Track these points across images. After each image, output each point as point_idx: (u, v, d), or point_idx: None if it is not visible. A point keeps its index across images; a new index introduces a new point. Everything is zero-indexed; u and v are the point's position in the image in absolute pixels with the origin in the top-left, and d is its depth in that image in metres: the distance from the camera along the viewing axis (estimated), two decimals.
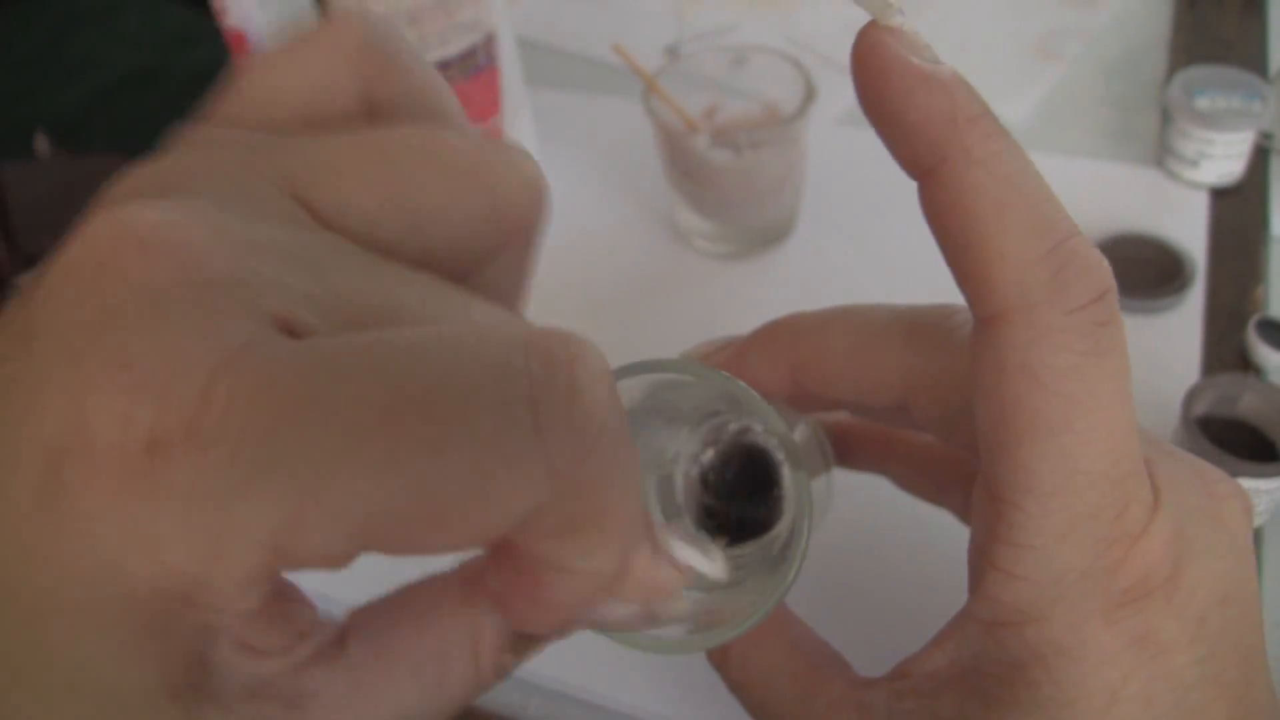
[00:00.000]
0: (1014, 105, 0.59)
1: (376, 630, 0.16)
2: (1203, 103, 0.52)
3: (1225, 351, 0.46)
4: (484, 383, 0.12)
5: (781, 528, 0.26)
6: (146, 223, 0.12)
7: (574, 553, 0.14)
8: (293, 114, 0.15)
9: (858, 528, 0.38)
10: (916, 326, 0.23)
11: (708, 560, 0.20)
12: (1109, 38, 0.65)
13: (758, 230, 0.53)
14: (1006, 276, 0.18)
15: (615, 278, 0.54)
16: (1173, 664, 0.19)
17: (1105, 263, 0.18)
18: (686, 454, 0.28)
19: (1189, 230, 0.51)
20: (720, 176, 0.50)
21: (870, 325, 0.24)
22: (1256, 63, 0.61)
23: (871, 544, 0.40)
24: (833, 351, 0.24)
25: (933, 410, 0.23)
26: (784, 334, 0.25)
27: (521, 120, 0.56)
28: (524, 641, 0.17)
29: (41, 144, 0.89)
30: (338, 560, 0.12)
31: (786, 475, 0.22)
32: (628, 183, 0.58)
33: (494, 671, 0.17)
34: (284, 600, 0.15)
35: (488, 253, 0.15)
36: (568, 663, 0.39)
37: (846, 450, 0.30)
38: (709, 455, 0.29)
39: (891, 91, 0.18)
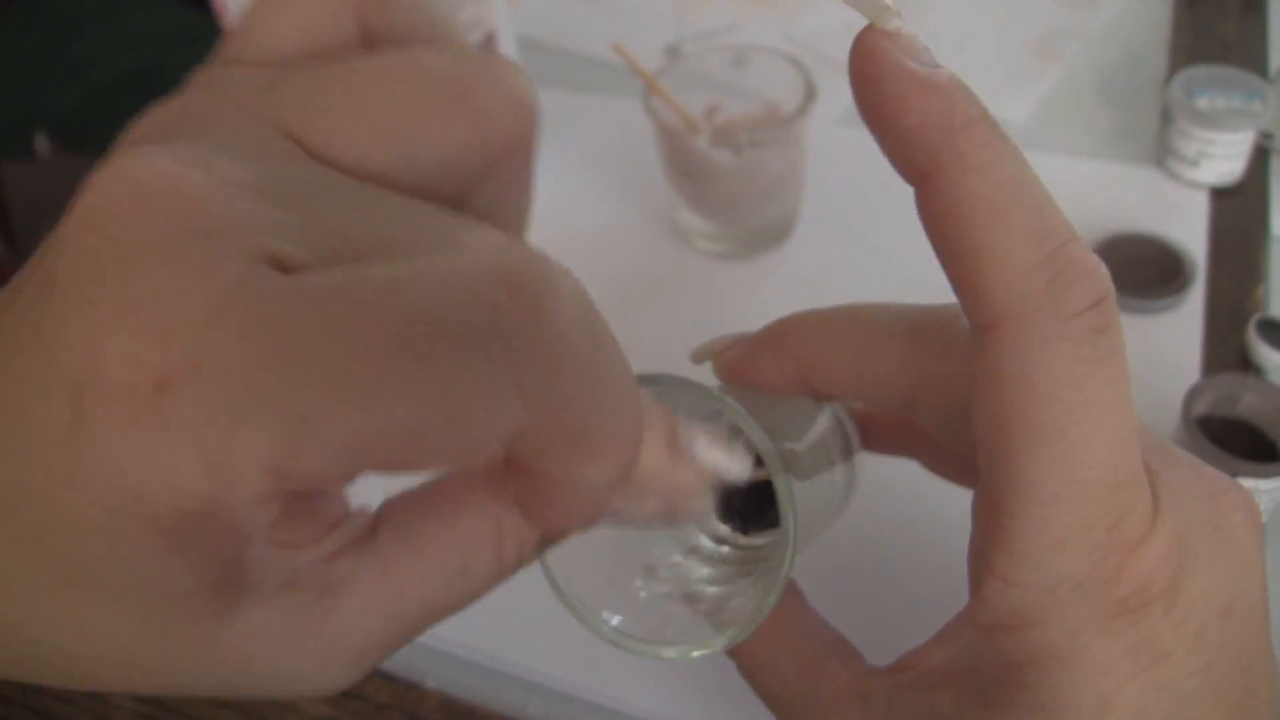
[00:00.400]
0: (1014, 105, 0.59)
1: (406, 522, 0.17)
2: (1203, 103, 0.52)
3: (1225, 351, 0.46)
4: (455, 315, 0.12)
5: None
6: (147, 172, 0.13)
7: (568, 467, 0.14)
8: (293, 49, 0.16)
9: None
10: (922, 327, 0.23)
11: (731, 460, 0.20)
12: (1109, 38, 0.65)
13: (758, 230, 0.53)
14: (1002, 283, 0.18)
15: (615, 278, 0.54)
16: (1169, 674, 0.19)
17: (1103, 268, 0.18)
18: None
19: (1189, 230, 0.51)
20: (720, 176, 0.50)
21: (876, 326, 0.24)
22: (1256, 63, 0.61)
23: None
24: (839, 352, 0.24)
25: (937, 412, 0.24)
26: (791, 334, 0.25)
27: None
28: (550, 536, 0.18)
29: (41, 144, 0.89)
30: (338, 479, 0.13)
31: (777, 483, 0.22)
32: (628, 183, 0.58)
33: (516, 562, 0.18)
34: (311, 498, 0.16)
35: (479, 174, 0.16)
36: (568, 663, 0.39)
37: (874, 434, 0.30)
38: None
39: (887, 96, 0.18)
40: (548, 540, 0.18)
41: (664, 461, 0.19)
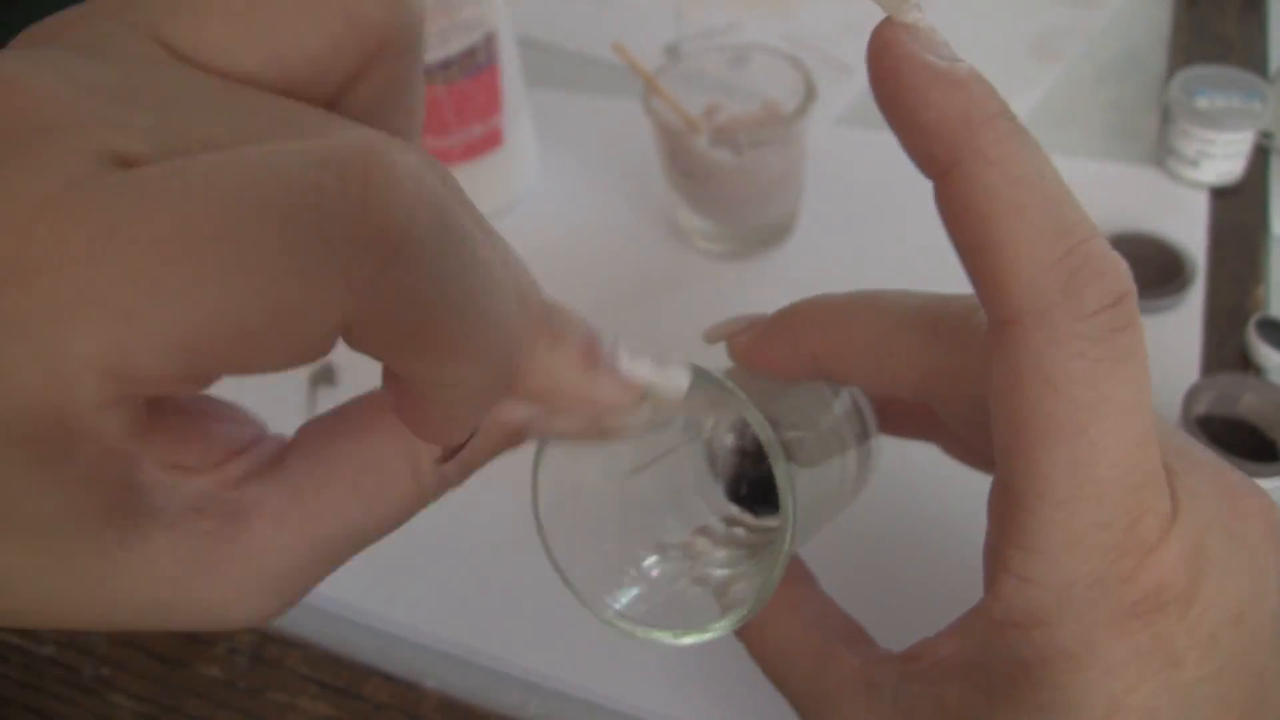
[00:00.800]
0: (1014, 105, 0.59)
1: (316, 445, 0.17)
2: (1203, 102, 0.52)
3: (1225, 351, 0.46)
4: (277, 198, 0.12)
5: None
6: (10, 81, 0.13)
7: (425, 367, 0.14)
8: None
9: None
10: (939, 319, 0.23)
11: (663, 374, 0.19)
12: (1109, 37, 0.65)
13: (758, 230, 0.53)
14: (1021, 280, 0.18)
15: (615, 278, 0.54)
16: (1180, 679, 0.19)
17: (1124, 265, 0.18)
18: (724, 424, 0.29)
19: (1189, 230, 0.51)
20: (720, 176, 0.50)
21: (893, 316, 0.24)
22: (1256, 63, 0.61)
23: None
24: (854, 342, 0.24)
25: (953, 405, 0.23)
26: (807, 320, 0.25)
27: (521, 120, 0.56)
28: (464, 454, 0.17)
29: None
30: (182, 382, 0.12)
31: (776, 466, 0.22)
32: (628, 183, 0.58)
33: (436, 483, 0.17)
34: (204, 418, 0.16)
35: (352, 73, 0.16)
36: (568, 663, 0.39)
37: (893, 418, 0.30)
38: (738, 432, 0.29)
39: (905, 90, 0.18)
40: (470, 460, 0.18)
41: (578, 373, 0.18)
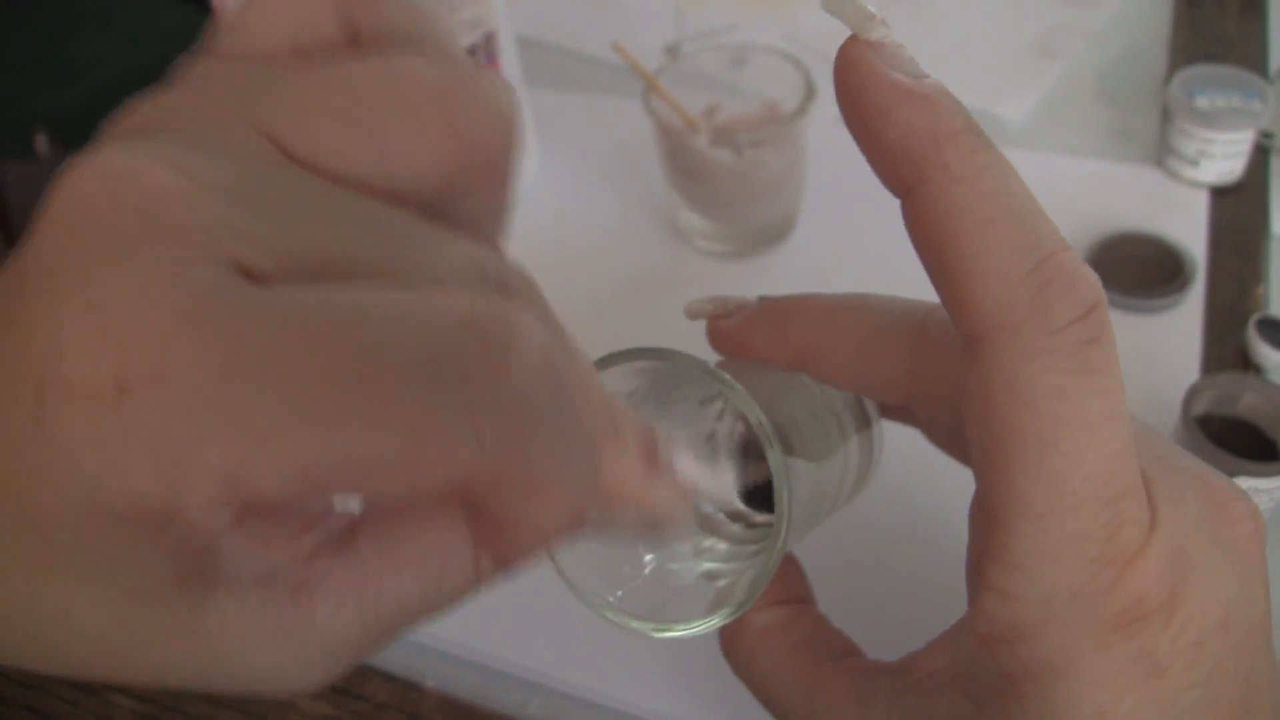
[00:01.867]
0: (1014, 104, 0.59)
1: (384, 527, 0.17)
2: (1203, 102, 0.52)
3: (1225, 350, 0.46)
4: (422, 355, 0.13)
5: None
6: (118, 168, 0.13)
7: (520, 510, 0.14)
8: (278, 46, 0.16)
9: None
10: (927, 327, 0.23)
11: (714, 478, 0.20)
12: (1109, 37, 0.65)
13: (758, 230, 0.53)
14: (989, 296, 0.18)
15: (615, 278, 0.54)
16: (1167, 688, 0.19)
17: (1093, 277, 0.18)
18: (730, 413, 0.28)
19: (1189, 229, 0.51)
20: (720, 176, 0.50)
21: (880, 320, 0.24)
22: (1256, 62, 0.61)
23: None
24: (839, 345, 0.24)
25: (934, 414, 0.23)
26: (794, 317, 0.25)
27: (521, 120, 0.56)
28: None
29: (41, 144, 0.89)
30: (293, 497, 0.13)
31: (771, 457, 0.22)
32: (628, 183, 0.58)
33: (493, 570, 0.17)
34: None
35: (458, 186, 0.16)
36: (568, 663, 0.39)
37: (881, 406, 0.30)
38: (741, 426, 0.29)
39: (870, 109, 0.18)
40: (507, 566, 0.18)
41: (639, 476, 0.18)
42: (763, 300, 0.26)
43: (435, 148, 0.15)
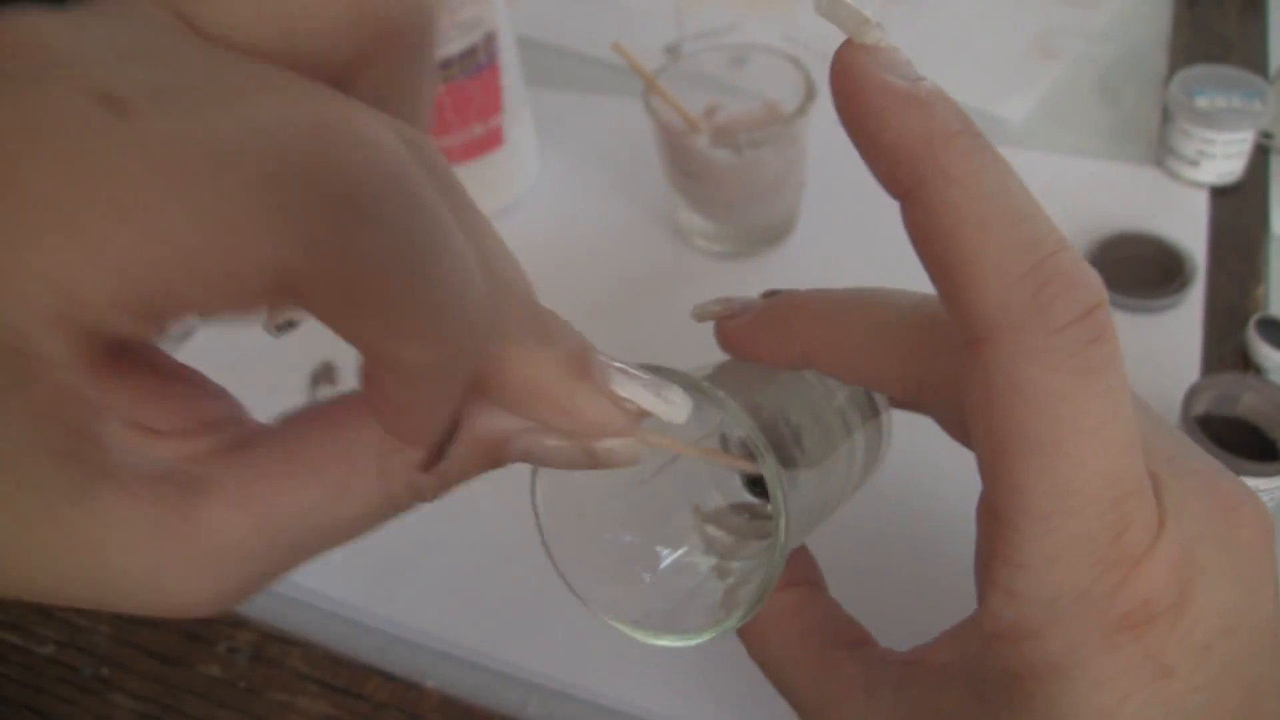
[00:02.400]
0: (1013, 104, 0.59)
1: (288, 432, 0.17)
2: (1203, 102, 0.52)
3: (1225, 351, 0.46)
4: (243, 149, 0.13)
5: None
6: (15, 23, 0.14)
7: (371, 334, 0.14)
8: None
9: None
10: (936, 322, 0.23)
11: (661, 401, 0.19)
12: (1109, 37, 0.65)
13: (758, 229, 0.53)
14: (989, 297, 0.18)
15: (615, 278, 0.54)
16: (1173, 690, 0.19)
17: (1095, 277, 0.18)
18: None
19: (1189, 229, 0.51)
20: (720, 176, 0.50)
21: (887, 316, 0.24)
22: (1256, 62, 0.61)
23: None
24: (846, 341, 0.24)
25: (943, 411, 0.23)
26: (800, 313, 0.25)
27: (521, 120, 0.56)
28: (442, 465, 0.17)
29: None
30: (129, 314, 0.13)
31: (765, 469, 0.22)
32: (628, 183, 0.58)
33: (407, 490, 0.17)
34: (179, 383, 0.16)
35: (359, 58, 0.17)
36: (568, 663, 0.39)
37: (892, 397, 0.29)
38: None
39: (866, 113, 0.18)
40: (448, 475, 0.17)
41: (563, 380, 0.18)
42: (768, 297, 0.26)
43: (340, 21, 0.16)
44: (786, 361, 0.25)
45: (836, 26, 0.18)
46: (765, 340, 0.25)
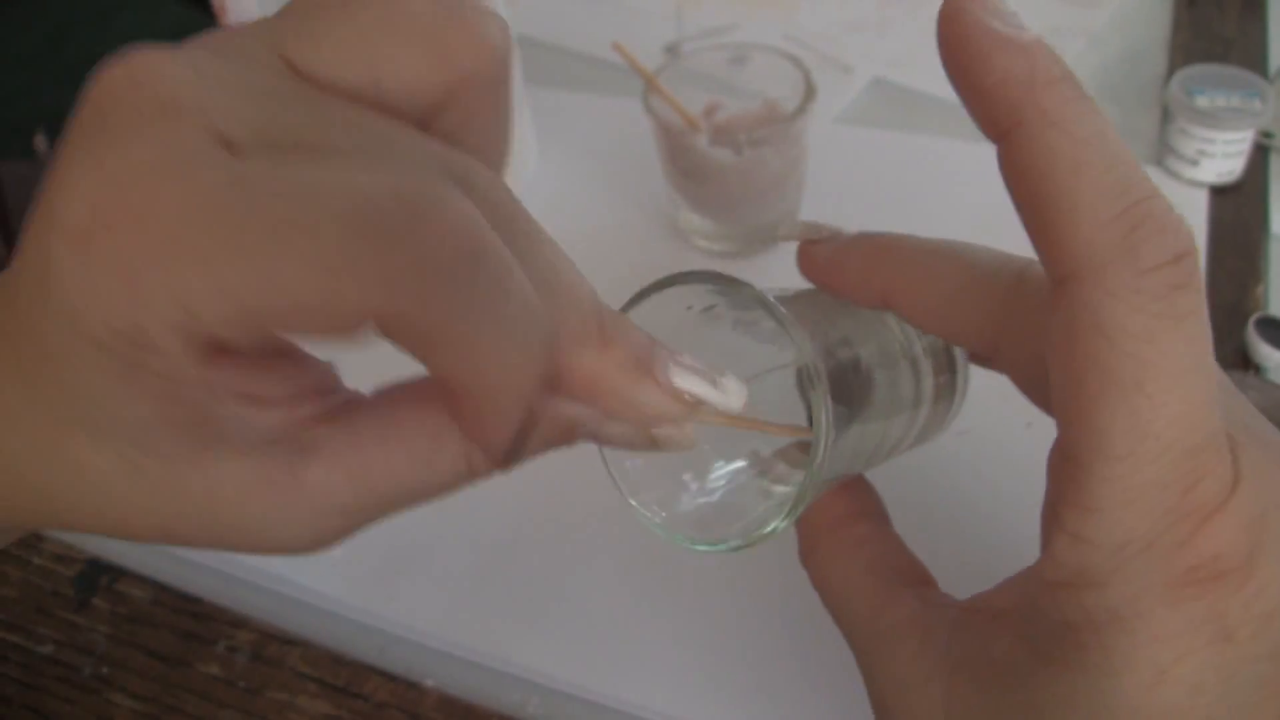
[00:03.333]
0: None
1: (384, 404, 0.19)
2: (1202, 101, 0.52)
3: (1225, 350, 0.46)
4: (346, 212, 0.15)
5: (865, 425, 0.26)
6: (142, 63, 0.16)
7: (442, 360, 0.16)
8: None
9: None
10: (1023, 279, 0.23)
11: (717, 391, 0.20)
12: (1109, 37, 0.65)
13: (758, 229, 0.53)
14: (1079, 236, 0.18)
15: (615, 277, 0.53)
16: (1231, 655, 0.18)
17: (1185, 226, 0.18)
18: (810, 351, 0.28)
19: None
20: (720, 175, 0.50)
21: (974, 269, 0.24)
22: (1256, 62, 0.61)
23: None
24: (931, 288, 0.24)
25: (1020, 371, 0.23)
26: (887, 254, 0.25)
27: (521, 119, 0.56)
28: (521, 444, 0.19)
29: (41, 144, 0.89)
30: (237, 329, 0.15)
31: (813, 398, 0.22)
32: (628, 182, 0.58)
33: (486, 462, 0.19)
34: (283, 360, 0.18)
35: (441, 100, 0.19)
36: (568, 662, 0.39)
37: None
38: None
39: (970, 56, 0.19)
40: (519, 448, 0.19)
41: (626, 378, 0.19)
42: (857, 234, 0.26)
43: (422, 70, 0.18)
44: (865, 298, 0.25)
45: None
46: (848, 272, 0.26)
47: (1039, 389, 0.23)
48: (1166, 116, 0.54)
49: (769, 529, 0.23)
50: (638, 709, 0.38)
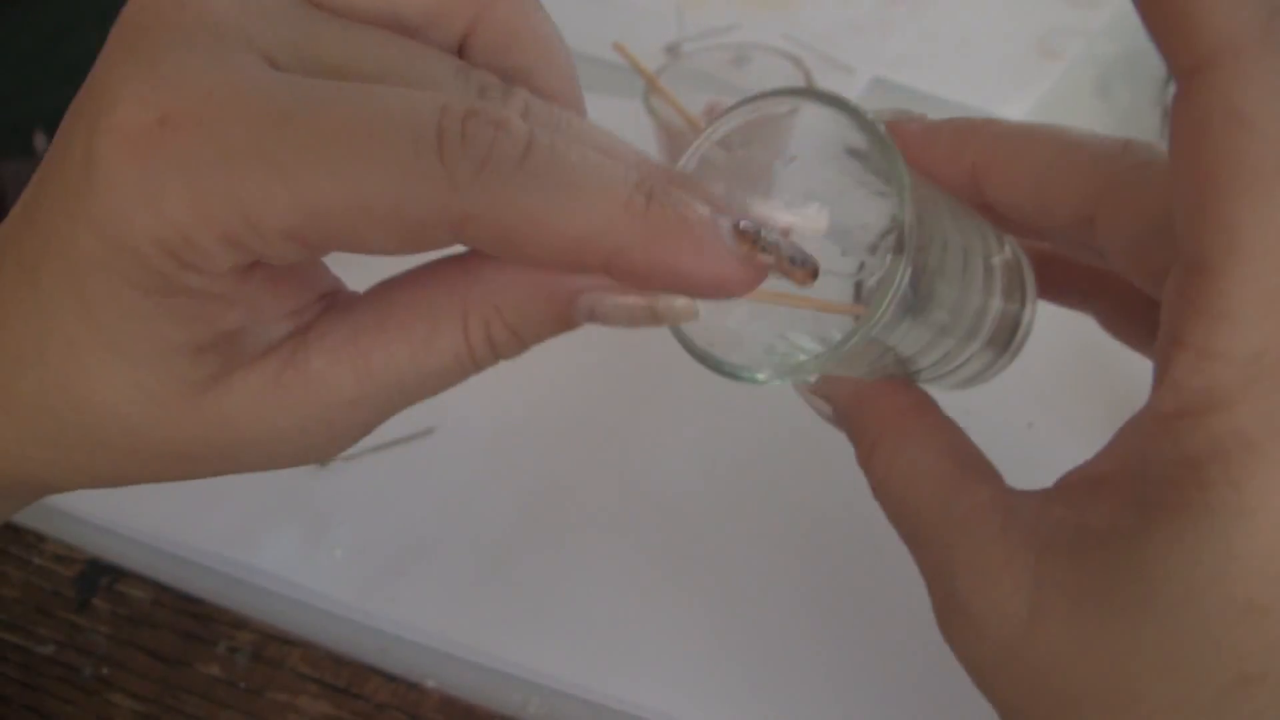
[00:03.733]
0: (1014, 104, 0.59)
1: (381, 295, 0.19)
2: None
3: None
4: (411, 124, 0.16)
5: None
6: None
7: (516, 251, 0.17)
8: None
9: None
10: (1117, 156, 0.22)
11: (799, 217, 0.20)
12: (1109, 37, 0.65)
13: None
14: (1214, 18, 0.16)
15: None
16: None
17: None
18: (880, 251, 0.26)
19: None
20: (720, 175, 0.50)
21: (1068, 144, 0.22)
22: None
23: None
24: (1022, 163, 0.23)
25: (1118, 232, 0.21)
26: (980, 135, 0.24)
27: None
28: (518, 322, 0.19)
29: (41, 143, 0.89)
30: (299, 241, 0.15)
31: (905, 215, 0.20)
32: None
33: (485, 347, 0.19)
34: (301, 271, 0.19)
35: (468, 23, 0.19)
36: (568, 662, 0.39)
37: (1052, 282, 0.27)
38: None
39: None
40: (524, 330, 0.19)
41: (680, 257, 0.19)
42: (948, 119, 0.25)
43: None
44: (955, 174, 0.24)
45: None
46: (938, 147, 0.24)
47: (1140, 265, 0.21)
48: (1166, 117, 0.54)
49: (810, 360, 0.21)
50: (638, 709, 0.38)
